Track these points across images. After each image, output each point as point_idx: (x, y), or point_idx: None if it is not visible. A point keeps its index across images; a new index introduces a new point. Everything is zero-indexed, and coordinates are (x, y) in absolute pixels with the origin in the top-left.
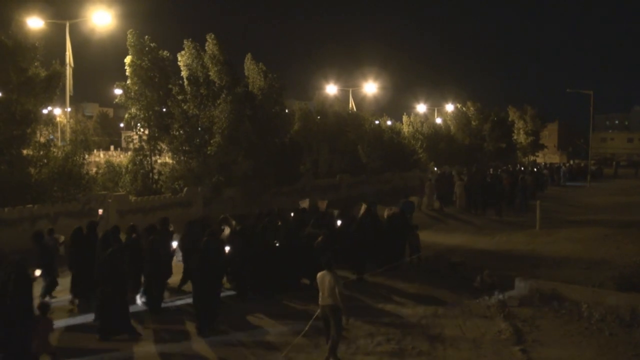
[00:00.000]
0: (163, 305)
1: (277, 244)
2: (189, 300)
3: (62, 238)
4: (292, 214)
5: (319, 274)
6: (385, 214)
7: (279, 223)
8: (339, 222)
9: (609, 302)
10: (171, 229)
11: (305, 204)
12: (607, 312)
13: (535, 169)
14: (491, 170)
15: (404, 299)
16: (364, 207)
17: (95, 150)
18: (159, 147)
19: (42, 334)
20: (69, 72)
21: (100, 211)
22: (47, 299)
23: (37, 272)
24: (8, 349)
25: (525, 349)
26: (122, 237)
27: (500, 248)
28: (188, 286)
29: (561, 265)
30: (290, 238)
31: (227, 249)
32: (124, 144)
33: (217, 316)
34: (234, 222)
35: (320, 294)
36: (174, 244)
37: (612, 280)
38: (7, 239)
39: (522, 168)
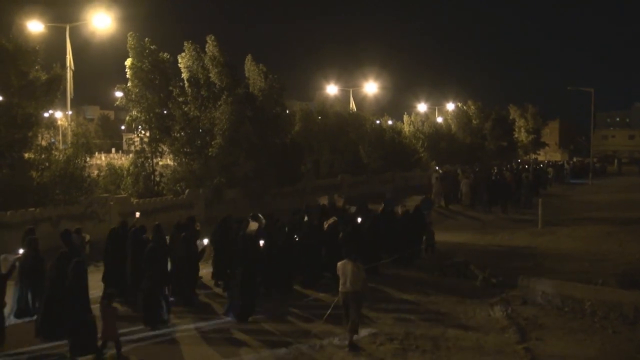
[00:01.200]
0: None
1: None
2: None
3: (87, 237)
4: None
5: (340, 263)
6: (400, 210)
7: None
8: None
9: (612, 299)
10: (198, 227)
11: (324, 200)
12: (610, 310)
13: (539, 166)
14: (495, 168)
15: (406, 298)
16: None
17: (96, 153)
18: (160, 149)
19: (109, 321)
20: (69, 75)
21: (137, 214)
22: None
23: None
24: (76, 336)
25: (528, 347)
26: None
27: (503, 246)
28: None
29: (564, 263)
30: (312, 234)
31: (261, 242)
32: (125, 147)
33: (254, 307)
34: (263, 219)
35: (341, 281)
36: (205, 241)
37: (615, 278)
38: (9, 242)
39: (527, 166)
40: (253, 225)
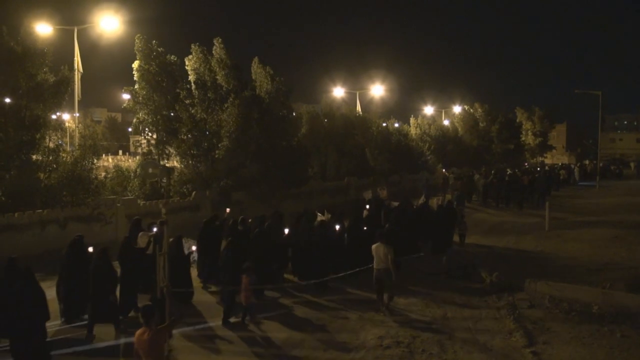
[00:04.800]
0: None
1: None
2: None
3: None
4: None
5: (374, 246)
6: (438, 202)
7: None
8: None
9: (620, 303)
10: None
11: (368, 195)
12: (618, 314)
13: (553, 168)
14: (509, 170)
15: (413, 300)
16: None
17: (103, 155)
18: (167, 151)
19: (248, 290)
20: (77, 77)
21: (228, 210)
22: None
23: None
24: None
25: (536, 351)
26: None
27: (510, 249)
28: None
29: (571, 267)
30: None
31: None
32: (132, 149)
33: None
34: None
35: (375, 260)
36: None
37: (623, 282)
38: (17, 243)
39: (539, 169)
40: (320, 218)
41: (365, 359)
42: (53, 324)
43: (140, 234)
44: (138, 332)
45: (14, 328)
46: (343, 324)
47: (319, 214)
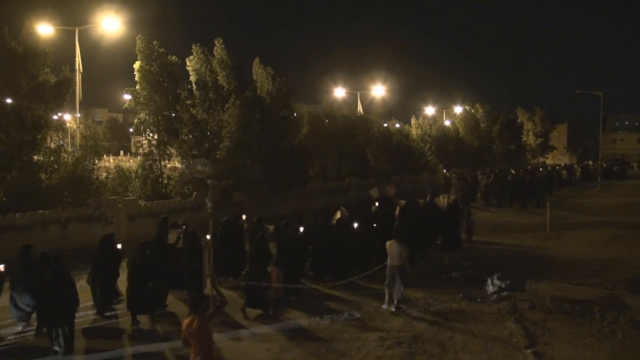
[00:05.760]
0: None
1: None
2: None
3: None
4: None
5: (388, 243)
6: (443, 200)
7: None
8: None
9: (621, 304)
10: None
11: (375, 192)
12: (619, 314)
13: (555, 168)
14: (512, 170)
15: (414, 301)
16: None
17: (105, 156)
18: (168, 152)
19: (278, 282)
20: (78, 77)
21: (244, 216)
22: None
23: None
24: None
25: (537, 351)
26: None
27: (510, 249)
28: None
29: (572, 267)
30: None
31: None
32: (133, 149)
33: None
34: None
35: (389, 257)
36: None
37: (624, 282)
38: (18, 243)
39: (541, 169)
40: (339, 214)
41: (366, 359)
42: (87, 313)
43: (171, 230)
44: (186, 321)
45: (48, 314)
46: (345, 324)
47: (338, 211)
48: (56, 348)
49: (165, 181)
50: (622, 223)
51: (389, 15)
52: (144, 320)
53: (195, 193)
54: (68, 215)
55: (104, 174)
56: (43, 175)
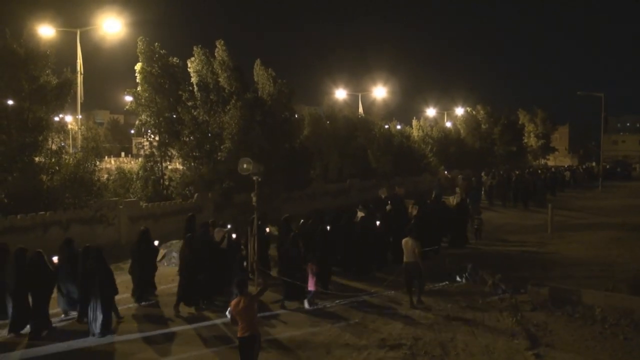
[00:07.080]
0: None
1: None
2: None
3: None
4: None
5: (404, 240)
6: (453, 200)
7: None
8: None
9: (623, 306)
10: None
11: (383, 193)
12: (621, 316)
13: (558, 169)
14: (517, 172)
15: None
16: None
17: (106, 157)
18: (169, 153)
19: (312, 276)
20: (80, 79)
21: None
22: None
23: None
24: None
25: (538, 353)
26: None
27: (512, 251)
28: None
29: (574, 269)
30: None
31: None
32: (134, 151)
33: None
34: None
35: (405, 253)
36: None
37: (626, 284)
38: (19, 245)
39: (540, 171)
40: (360, 213)
41: None
42: (128, 305)
43: (217, 229)
44: (233, 302)
45: (90, 301)
46: (346, 325)
47: (358, 210)
48: (97, 331)
49: (167, 183)
50: (624, 224)
51: (390, 17)
52: (184, 309)
53: (196, 195)
54: (69, 217)
55: (105, 176)
56: (44, 177)
